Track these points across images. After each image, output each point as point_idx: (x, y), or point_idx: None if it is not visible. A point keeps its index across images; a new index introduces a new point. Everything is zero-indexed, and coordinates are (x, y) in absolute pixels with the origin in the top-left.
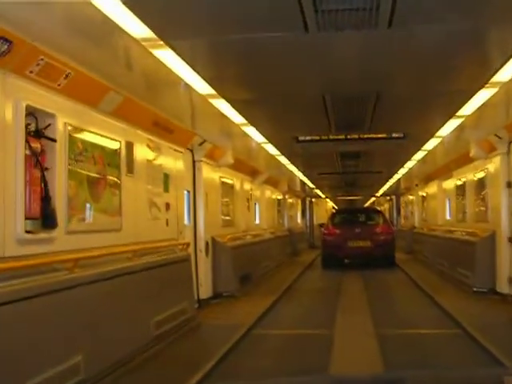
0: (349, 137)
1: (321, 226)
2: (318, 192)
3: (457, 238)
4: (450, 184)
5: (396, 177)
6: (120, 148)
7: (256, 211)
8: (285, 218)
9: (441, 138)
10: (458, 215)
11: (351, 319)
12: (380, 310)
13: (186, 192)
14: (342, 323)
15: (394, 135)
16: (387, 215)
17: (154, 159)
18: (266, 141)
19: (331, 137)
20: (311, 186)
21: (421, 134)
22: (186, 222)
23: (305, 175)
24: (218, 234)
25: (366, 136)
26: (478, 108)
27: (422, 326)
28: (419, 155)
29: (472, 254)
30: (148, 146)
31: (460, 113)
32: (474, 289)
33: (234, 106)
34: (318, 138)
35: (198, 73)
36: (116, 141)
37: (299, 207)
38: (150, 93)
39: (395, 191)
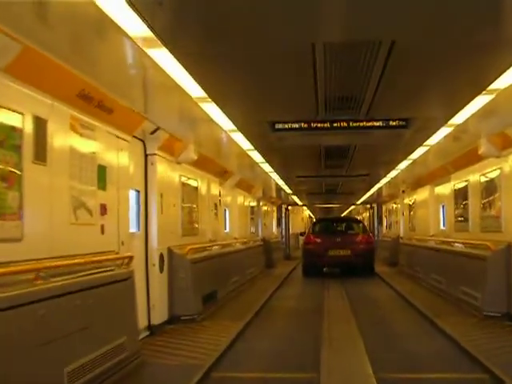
0: (338, 124)
1: (301, 234)
2: (295, 199)
3: (459, 252)
4: (445, 189)
5: (383, 181)
6: (23, 124)
7: (226, 218)
8: (259, 226)
9: (452, 128)
10: (456, 224)
11: (341, 355)
12: (374, 340)
13: (134, 192)
14: (329, 361)
15: (393, 123)
16: (367, 224)
17: (83, 146)
18: (235, 128)
19: (316, 125)
20: (288, 191)
21: (429, 120)
22: (133, 229)
23: (282, 178)
24: (177, 245)
25: (359, 124)
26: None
27: (431, 366)
28: (417, 153)
29: (481, 270)
30: (72, 126)
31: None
32: (485, 313)
33: (192, 73)
34: (297, 126)
35: (145, 21)
36: (14, 112)
37: (275, 215)
38: (75, 51)
39: (376, 199)
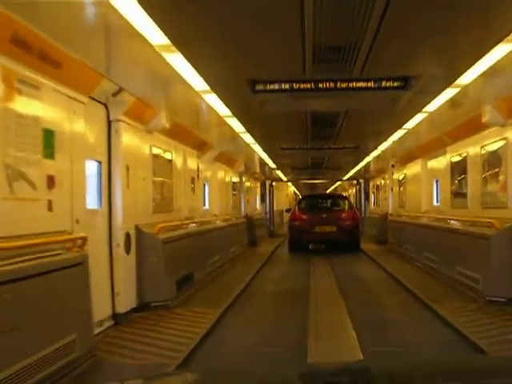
0: (327, 85)
1: (287, 211)
2: (280, 174)
3: (457, 229)
4: (439, 162)
5: (372, 155)
6: None
7: (205, 194)
8: (242, 202)
9: (459, 88)
10: (453, 200)
11: (329, 348)
12: (366, 326)
13: (95, 163)
14: (316, 352)
15: (389, 84)
16: (353, 201)
17: (22, 105)
18: (209, 89)
19: (301, 85)
20: (272, 165)
21: (430, 81)
22: (92, 205)
23: (265, 151)
24: (147, 223)
25: (351, 85)
26: None
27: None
28: (414, 121)
29: (484, 250)
30: (5, 79)
31: None
32: (487, 298)
33: (156, 17)
34: (278, 87)
35: None
36: None
37: (258, 191)
38: None
39: (364, 175)
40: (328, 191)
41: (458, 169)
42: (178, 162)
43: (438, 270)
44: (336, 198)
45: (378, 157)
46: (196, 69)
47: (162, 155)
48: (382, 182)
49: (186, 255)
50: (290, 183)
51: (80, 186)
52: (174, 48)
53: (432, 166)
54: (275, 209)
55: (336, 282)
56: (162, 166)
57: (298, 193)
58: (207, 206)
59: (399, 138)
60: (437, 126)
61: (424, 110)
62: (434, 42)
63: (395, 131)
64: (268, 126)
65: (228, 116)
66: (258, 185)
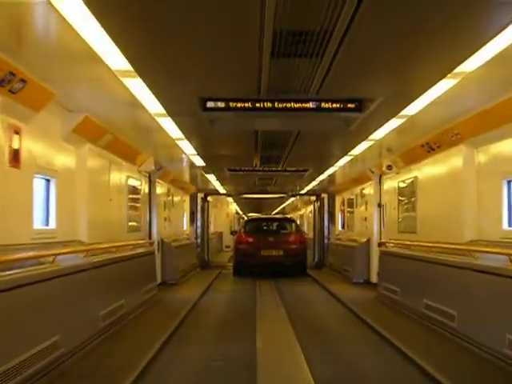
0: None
1: (232, 233)
2: (217, 185)
3: None
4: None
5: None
6: None
7: (50, 200)
8: (152, 221)
9: None
10: None
11: None
12: None
13: None
14: None
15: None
16: (311, 222)
17: None
18: None
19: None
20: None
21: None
22: None
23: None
24: None
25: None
26: None
27: None
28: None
29: None
30: None
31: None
32: None
33: None
34: None
35: None
36: None
37: (187, 207)
38: None
39: (327, 187)
40: (276, 211)
41: None
42: None
43: None
44: (283, 220)
45: (353, 160)
46: None
47: None
48: (360, 193)
49: None
50: (230, 199)
51: None
52: None
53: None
54: (212, 231)
55: None
56: None
57: (240, 212)
58: (53, 223)
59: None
60: None
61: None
62: (389, 68)
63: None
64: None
65: None
66: (187, 199)
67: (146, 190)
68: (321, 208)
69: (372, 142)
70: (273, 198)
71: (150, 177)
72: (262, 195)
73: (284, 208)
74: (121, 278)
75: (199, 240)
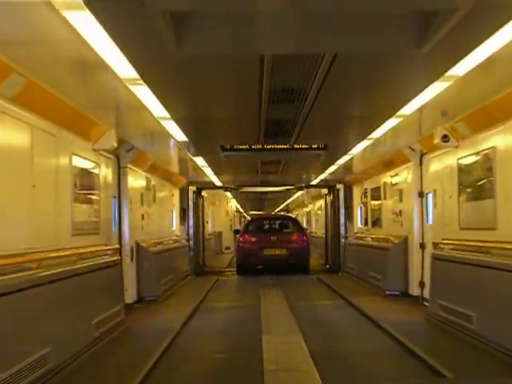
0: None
1: (235, 232)
2: (211, 176)
3: None
4: None
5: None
6: None
7: None
8: (123, 219)
9: None
10: None
11: None
12: None
13: None
14: None
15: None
16: (320, 218)
17: None
18: None
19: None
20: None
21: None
22: None
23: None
24: None
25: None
26: None
27: None
28: None
29: None
30: None
31: None
32: None
33: None
34: None
35: None
36: None
37: (177, 203)
38: None
39: (343, 177)
40: (280, 208)
41: None
42: None
43: None
44: (286, 219)
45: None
46: None
47: None
48: (389, 183)
49: None
50: (229, 194)
51: None
52: None
53: None
54: (209, 231)
55: None
56: None
57: (241, 210)
58: None
59: None
60: None
61: None
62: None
63: None
64: None
65: None
66: (176, 193)
67: (110, 178)
68: (334, 202)
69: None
70: (277, 191)
71: (118, 161)
72: (265, 188)
73: (288, 205)
74: (46, 311)
75: (192, 242)
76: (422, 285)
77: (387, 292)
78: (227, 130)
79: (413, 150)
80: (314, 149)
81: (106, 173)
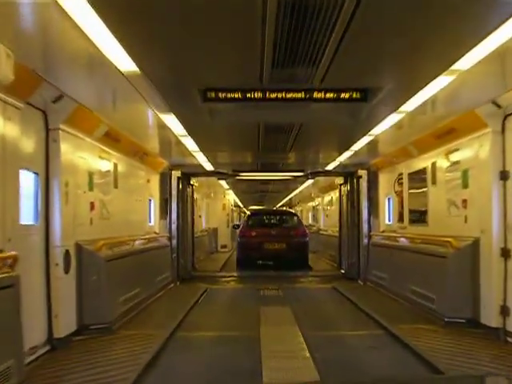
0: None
1: (234, 227)
2: (198, 155)
3: None
4: None
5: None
6: None
7: None
8: (52, 210)
9: None
10: None
11: None
12: None
13: None
14: None
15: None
16: (331, 213)
17: None
18: None
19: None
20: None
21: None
22: None
23: None
24: None
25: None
26: None
27: None
28: None
29: None
30: None
31: None
32: None
33: None
34: None
35: None
36: None
37: (156, 191)
38: None
39: (367, 160)
40: (282, 203)
41: None
42: None
43: None
44: (285, 214)
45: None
46: None
47: None
48: (445, 161)
49: None
50: (226, 185)
51: None
52: None
53: None
54: (203, 227)
55: None
56: None
57: (240, 204)
58: None
59: None
60: None
61: None
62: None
63: None
64: None
65: None
66: (155, 179)
67: (23, 142)
68: (353, 193)
69: None
70: (282, 179)
71: (46, 118)
72: (266, 175)
73: (291, 199)
74: None
75: (175, 241)
76: (504, 311)
77: (446, 319)
78: (210, 59)
79: (498, 106)
80: (348, 99)
81: (12, 132)
